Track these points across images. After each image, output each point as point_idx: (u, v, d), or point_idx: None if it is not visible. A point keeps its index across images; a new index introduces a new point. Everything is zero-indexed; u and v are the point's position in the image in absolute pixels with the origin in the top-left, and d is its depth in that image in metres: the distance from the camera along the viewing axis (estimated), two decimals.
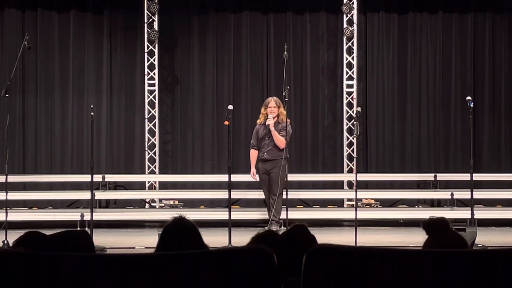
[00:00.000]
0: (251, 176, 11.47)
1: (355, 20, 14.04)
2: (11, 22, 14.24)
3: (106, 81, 14.34)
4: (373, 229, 11.98)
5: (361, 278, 2.95)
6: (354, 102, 13.94)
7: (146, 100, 14.09)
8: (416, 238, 10.77)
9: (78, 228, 11.80)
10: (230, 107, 10.24)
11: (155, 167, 14.04)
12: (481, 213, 11.93)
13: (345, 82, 14.13)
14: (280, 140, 11.19)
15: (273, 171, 11.25)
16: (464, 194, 12.19)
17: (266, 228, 11.34)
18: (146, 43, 14.04)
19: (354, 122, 11.30)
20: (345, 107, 14.13)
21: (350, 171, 13.96)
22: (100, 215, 12.14)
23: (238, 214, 11.56)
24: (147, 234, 11.38)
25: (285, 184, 10.91)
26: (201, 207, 13.66)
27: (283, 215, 11.49)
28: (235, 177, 11.43)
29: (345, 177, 14.04)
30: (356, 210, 9.85)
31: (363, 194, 13.12)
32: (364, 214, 12.14)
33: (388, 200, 13.63)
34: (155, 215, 12.91)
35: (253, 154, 11.47)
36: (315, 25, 14.50)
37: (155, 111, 14.09)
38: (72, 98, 14.27)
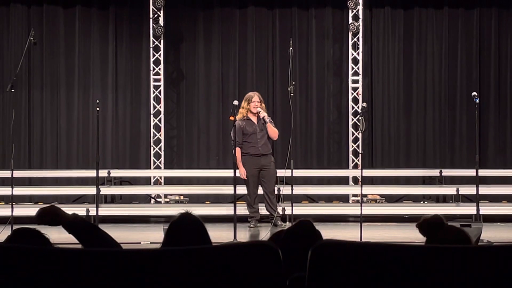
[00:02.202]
0: (243, 176, 11.08)
1: (360, 16, 14.03)
2: (17, 17, 14.26)
3: (112, 77, 14.36)
4: (379, 225, 11.99)
5: (366, 273, 2.95)
6: (360, 98, 13.93)
7: (152, 96, 14.09)
8: (421, 234, 10.78)
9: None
10: (235, 102, 10.23)
11: (160, 162, 14.05)
12: (487, 209, 11.93)
13: (350, 78, 14.12)
14: (276, 132, 11.17)
15: (267, 167, 11.17)
16: (469, 190, 12.19)
17: (251, 225, 11.34)
18: (151, 38, 14.04)
19: (360, 118, 11.29)
20: (350, 103, 14.12)
21: (355, 166, 13.95)
22: (106, 210, 12.17)
23: (243, 210, 11.56)
24: (153, 229, 11.39)
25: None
26: (206, 202, 13.68)
27: (288, 211, 11.51)
28: None
29: (350, 172, 14.04)
30: (361, 206, 9.85)
31: (369, 190, 13.12)
32: (370, 209, 12.14)
33: (393, 195, 13.64)
34: (160, 210, 12.92)
35: (239, 152, 11.13)
36: (320, 20, 14.49)
37: (160, 107, 14.10)
38: (78, 93, 14.30)
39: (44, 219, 3.71)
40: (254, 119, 11.23)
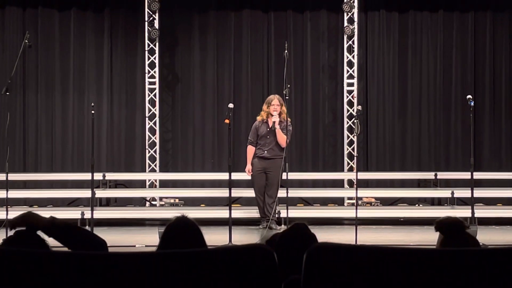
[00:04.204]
0: (246, 173, 11.45)
1: (355, 19, 14.04)
2: (12, 20, 14.24)
3: (107, 79, 14.34)
4: (374, 228, 11.99)
5: (361, 276, 2.95)
6: (355, 101, 13.95)
7: (147, 99, 14.09)
8: (416, 237, 10.79)
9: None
10: (231, 105, 10.24)
11: (155, 165, 14.04)
12: (482, 212, 11.94)
13: (345, 81, 14.14)
14: (283, 138, 11.21)
15: (271, 172, 11.23)
16: (464, 193, 12.21)
17: (260, 226, 11.37)
18: (146, 41, 14.04)
19: (355, 121, 11.29)
20: (345, 106, 14.13)
21: (350, 169, 13.96)
22: (101, 213, 12.15)
23: (239, 213, 11.57)
24: (148, 232, 11.38)
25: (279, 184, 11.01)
26: (201, 205, 13.66)
27: (283, 214, 11.51)
28: (236, 176, 11.43)
29: (345, 175, 14.04)
30: (356, 209, 9.85)
31: (364, 193, 13.13)
32: (365, 212, 12.15)
33: (388, 198, 13.64)
34: (155, 213, 12.92)
35: (251, 150, 11.47)
36: (315, 23, 14.50)
37: (155, 110, 14.09)
38: (73, 96, 14.28)
39: (20, 225, 3.66)
40: (271, 122, 11.32)
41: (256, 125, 11.50)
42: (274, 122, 11.26)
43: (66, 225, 3.81)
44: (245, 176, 12.01)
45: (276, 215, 11.51)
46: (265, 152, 11.29)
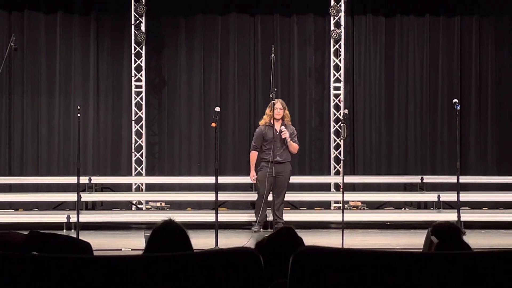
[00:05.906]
0: (251, 179, 11.49)
1: (342, 23, 14.06)
2: None
3: (93, 83, 14.30)
4: (360, 231, 12.01)
5: (348, 280, 2.95)
6: (341, 104, 13.96)
7: (133, 102, 14.05)
8: (402, 240, 10.81)
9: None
10: (217, 109, 10.24)
11: (141, 169, 14.01)
12: (468, 216, 11.97)
13: (332, 85, 14.15)
14: (295, 147, 11.33)
15: (281, 175, 11.24)
16: (450, 197, 12.24)
17: (253, 229, 11.38)
18: (133, 44, 14.00)
19: (341, 125, 11.31)
20: (332, 110, 14.14)
21: (337, 173, 13.97)
22: (87, 217, 12.13)
23: (225, 216, 11.56)
24: (134, 236, 11.36)
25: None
26: (188, 209, 13.64)
27: (270, 217, 11.51)
28: (222, 179, 11.42)
29: (332, 179, 14.05)
30: (343, 212, 9.87)
31: (350, 196, 13.14)
32: (351, 216, 12.16)
33: (375, 202, 13.67)
34: (141, 217, 12.89)
35: (254, 156, 11.46)
36: (302, 27, 14.52)
37: (142, 113, 14.06)
38: (59, 99, 14.23)
39: None
40: (276, 126, 11.30)
41: (262, 130, 11.46)
42: (284, 138, 11.30)
43: (44, 235, 3.76)
44: (232, 180, 12.01)
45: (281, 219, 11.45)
46: (277, 156, 11.28)
